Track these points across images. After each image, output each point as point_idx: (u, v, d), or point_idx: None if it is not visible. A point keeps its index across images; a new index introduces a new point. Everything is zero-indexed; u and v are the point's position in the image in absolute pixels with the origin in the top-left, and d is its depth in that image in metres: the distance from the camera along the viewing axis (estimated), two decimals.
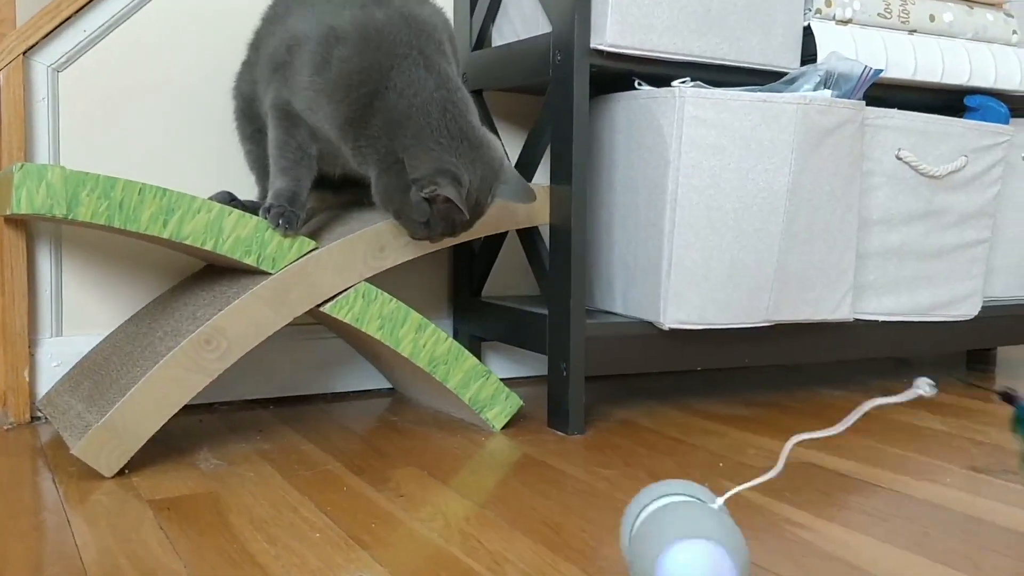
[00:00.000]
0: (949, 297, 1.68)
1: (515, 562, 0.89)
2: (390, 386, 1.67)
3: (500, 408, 1.38)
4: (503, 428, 1.38)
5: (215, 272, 1.38)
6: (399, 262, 1.29)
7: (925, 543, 0.95)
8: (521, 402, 1.39)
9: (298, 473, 1.16)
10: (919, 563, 0.90)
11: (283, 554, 0.90)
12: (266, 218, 1.19)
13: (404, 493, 1.09)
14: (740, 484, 0.82)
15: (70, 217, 1.09)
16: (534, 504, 1.06)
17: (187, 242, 1.16)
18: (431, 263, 1.68)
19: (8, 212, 1.10)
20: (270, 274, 1.20)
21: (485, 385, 1.36)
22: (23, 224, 1.37)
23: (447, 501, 1.06)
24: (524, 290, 1.79)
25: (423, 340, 1.31)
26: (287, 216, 1.19)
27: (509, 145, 1.71)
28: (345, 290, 1.25)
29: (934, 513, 1.04)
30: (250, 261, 1.19)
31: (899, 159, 1.58)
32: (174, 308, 1.30)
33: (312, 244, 1.23)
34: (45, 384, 1.40)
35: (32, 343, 1.39)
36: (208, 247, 1.17)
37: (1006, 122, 1.70)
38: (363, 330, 1.27)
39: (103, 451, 1.11)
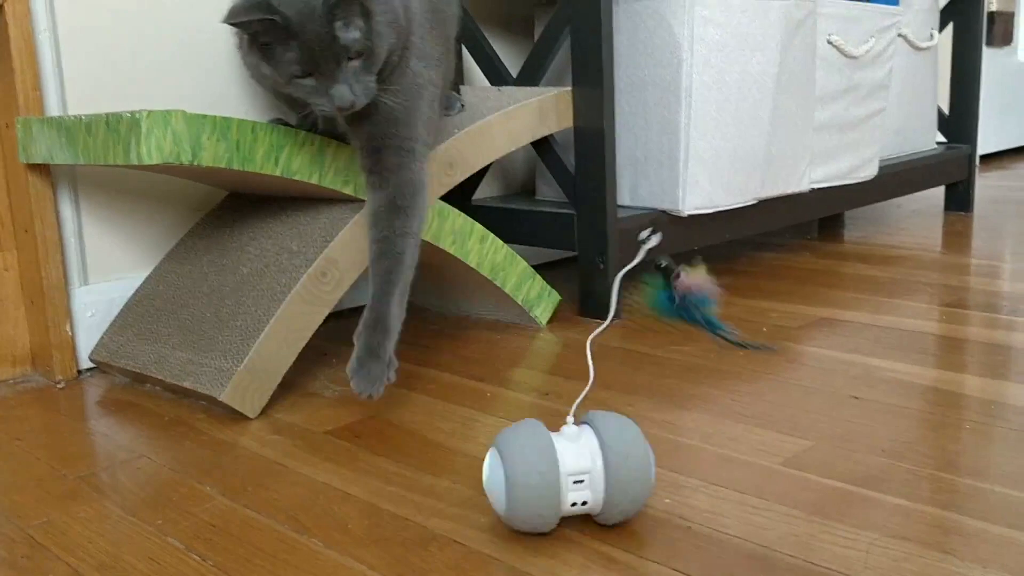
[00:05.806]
0: (860, 162, 1.93)
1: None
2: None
3: (544, 305, 1.47)
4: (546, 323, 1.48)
5: (259, 201, 1.34)
6: (465, 177, 1.33)
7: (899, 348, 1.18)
8: (559, 297, 1.49)
9: (423, 387, 1.21)
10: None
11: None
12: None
13: (549, 391, 1.18)
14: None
15: (195, 163, 1.05)
16: (647, 376, 1.18)
17: (296, 177, 1.14)
18: None
19: (129, 161, 1.04)
20: (361, 201, 1.21)
21: (533, 285, 1.45)
22: (46, 170, 1.26)
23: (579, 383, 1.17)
24: (493, 192, 1.86)
25: (485, 250, 1.37)
26: None
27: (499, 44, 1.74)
28: None
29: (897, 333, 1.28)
30: (348, 191, 1.19)
31: (829, 43, 1.78)
32: (243, 244, 1.27)
33: None
34: (83, 336, 1.33)
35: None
36: (314, 180, 1.16)
37: (896, 3, 1.95)
38: (439, 246, 1.31)
39: (247, 393, 1.11)
